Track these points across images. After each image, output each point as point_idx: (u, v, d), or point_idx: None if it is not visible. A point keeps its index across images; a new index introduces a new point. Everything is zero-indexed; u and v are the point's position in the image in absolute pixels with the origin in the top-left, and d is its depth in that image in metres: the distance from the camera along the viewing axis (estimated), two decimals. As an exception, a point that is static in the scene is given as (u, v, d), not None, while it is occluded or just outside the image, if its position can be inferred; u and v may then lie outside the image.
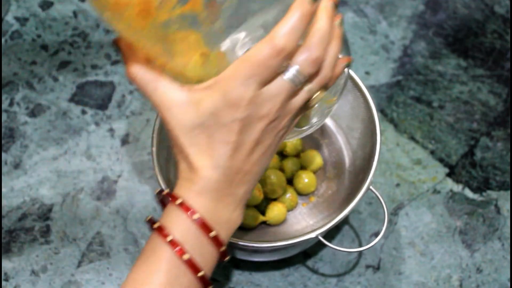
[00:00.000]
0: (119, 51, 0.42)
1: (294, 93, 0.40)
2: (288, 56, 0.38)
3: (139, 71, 0.41)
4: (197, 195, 0.41)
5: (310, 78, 0.40)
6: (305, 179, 0.66)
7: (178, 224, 0.41)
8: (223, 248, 0.43)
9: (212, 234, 0.41)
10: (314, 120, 0.51)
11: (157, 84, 0.40)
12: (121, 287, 0.42)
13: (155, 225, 0.42)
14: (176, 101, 0.40)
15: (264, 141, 0.41)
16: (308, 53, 0.38)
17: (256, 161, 0.42)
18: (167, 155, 0.65)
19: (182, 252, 0.40)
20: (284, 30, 0.37)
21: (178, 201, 0.41)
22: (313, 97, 0.41)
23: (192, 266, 0.41)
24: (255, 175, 0.43)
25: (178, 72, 0.40)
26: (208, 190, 0.41)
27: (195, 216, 0.41)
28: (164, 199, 0.45)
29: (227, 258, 0.44)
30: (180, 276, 0.41)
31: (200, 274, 0.41)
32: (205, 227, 0.41)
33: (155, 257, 0.41)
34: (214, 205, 0.41)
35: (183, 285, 0.41)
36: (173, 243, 0.40)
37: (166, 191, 0.43)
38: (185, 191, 0.42)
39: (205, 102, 0.39)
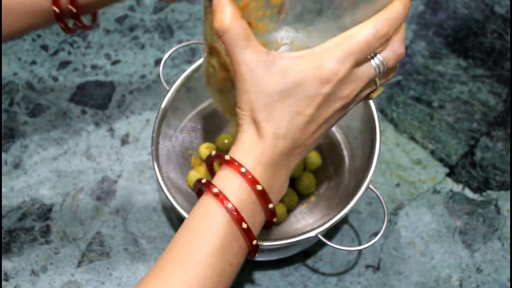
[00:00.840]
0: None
1: (370, 83, 0.41)
2: (385, 42, 0.39)
3: (233, 25, 0.39)
4: (258, 163, 0.40)
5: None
6: (305, 181, 0.66)
7: (236, 191, 0.40)
8: (275, 219, 0.43)
9: (271, 206, 0.41)
10: None
11: (248, 43, 0.39)
12: (168, 247, 0.41)
13: (214, 190, 0.40)
14: (263, 64, 0.39)
15: (330, 121, 0.42)
16: (396, 48, 0.40)
17: (317, 138, 0.42)
18: (167, 155, 0.65)
19: (241, 219, 0.40)
20: (389, 16, 0.38)
21: (242, 169, 0.40)
22: (376, 90, 0.43)
23: (249, 234, 0.40)
24: (310, 149, 0.43)
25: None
26: (270, 160, 0.40)
27: (259, 187, 0.40)
28: (213, 168, 0.44)
29: (272, 226, 0.44)
30: (234, 243, 0.40)
31: (254, 242, 0.41)
32: (265, 198, 0.41)
33: (210, 221, 0.40)
34: (272, 176, 0.41)
35: (233, 252, 0.41)
36: (232, 210, 0.40)
37: (227, 156, 0.42)
38: (247, 158, 0.41)
39: (294, 71, 0.39)
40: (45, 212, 0.70)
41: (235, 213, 0.40)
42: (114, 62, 0.82)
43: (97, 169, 0.73)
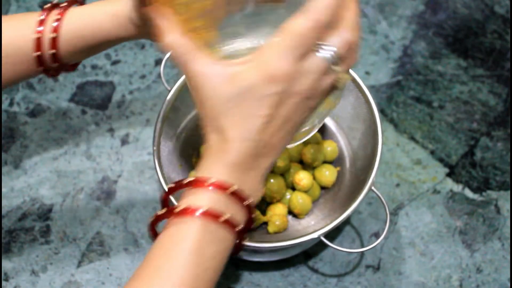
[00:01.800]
0: (152, 20, 0.43)
1: (325, 73, 0.41)
2: (323, 31, 0.39)
3: (177, 40, 0.41)
4: (226, 166, 0.41)
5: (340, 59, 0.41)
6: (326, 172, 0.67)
7: (206, 199, 0.41)
8: (254, 215, 0.43)
9: (247, 202, 0.42)
10: (315, 122, 0.51)
11: (195, 55, 0.41)
12: (143, 261, 0.41)
13: (177, 209, 0.41)
14: (213, 73, 0.40)
15: (293, 119, 0.42)
16: (345, 36, 0.40)
17: (282, 137, 0.42)
18: (168, 154, 0.65)
19: (217, 215, 0.40)
20: (324, 4, 0.38)
21: (209, 180, 0.41)
22: (340, 78, 0.42)
23: (229, 223, 0.41)
24: (279, 150, 0.43)
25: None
26: (238, 161, 0.41)
27: (231, 189, 0.41)
28: (178, 190, 0.44)
29: (252, 226, 0.44)
30: (213, 241, 0.40)
31: (238, 228, 0.41)
32: (239, 197, 0.41)
33: (182, 230, 0.40)
34: (242, 177, 0.42)
35: (213, 250, 0.41)
36: (204, 211, 0.40)
37: (189, 179, 0.42)
38: (215, 164, 0.41)
39: (242, 75, 0.40)
40: (45, 212, 0.70)
41: (208, 212, 0.40)
42: (114, 62, 0.81)
43: (97, 169, 0.73)
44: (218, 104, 0.40)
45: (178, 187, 0.43)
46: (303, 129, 0.52)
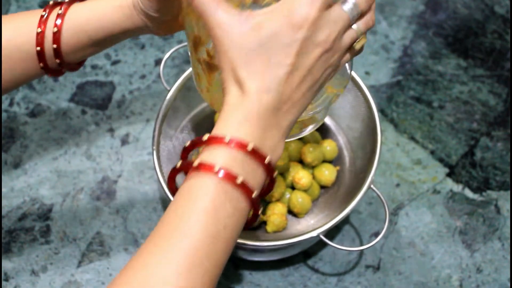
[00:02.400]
0: None
1: (346, 28, 0.42)
2: None
3: None
4: (245, 121, 0.40)
5: (359, 17, 0.42)
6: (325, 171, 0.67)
7: (223, 157, 0.39)
8: (275, 174, 0.42)
9: (267, 160, 0.40)
10: (318, 113, 0.51)
11: (218, 5, 0.41)
12: (159, 221, 0.40)
13: (195, 164, 0.40)
14: (236, 23, 0.40)
15: (314, 72, 0.41)
16: None
17: (304, 92, 0.42)
18: (168, 154, 0.65)
19: (232, 177, 0.39)
20: None
21: (226, 138, 0.39)
22: (358, 40, 0.43)
23: (245, 188, 0.39)
24: (300, 108, 0.42)
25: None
26: (257, 116, 0.40)
27: (249, 146, 0.39)
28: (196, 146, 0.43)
29: (273, 186, 0.43)
30: (227, 203, 0.39)
31: (254, 195, 0.40)
32: (258, 155, 0.40)
33: (197, 188, 0.39)
34: (262, 134, 0.40)
35: (227, 213, 0.39)
36: (220, 170, 0.39)
37: (205, 137, 0.41)
38: (233, 119, 0.40)
39: (266, 25, 0.40)
40: (45, 212, 0.70)
41: (224, 171, 0.39)
42: (114, 62, 0.82)
43: (97, 169, 0.73)
44: (239, 55, 0.40)
45: (195, 145, 0.42)
46: (309, 113, 0.51)
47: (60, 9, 0.51)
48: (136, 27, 0.51)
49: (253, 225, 0.44)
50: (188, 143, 0.42)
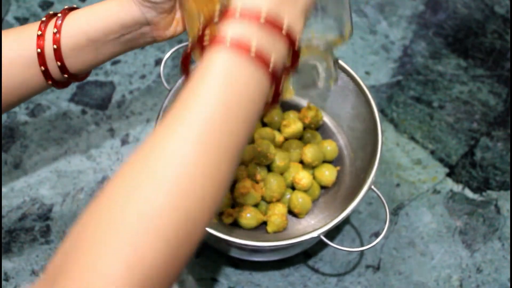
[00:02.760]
0: None
1: None
2: None
3: None
4: None
5: None
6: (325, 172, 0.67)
7: (235, 29, 0.36)
8: (297, 47, 0.39)
9: (285, 29, 0.38)
10: (320, 67, 0.50)
11: None
12: (176, 99, 0.37)
13: (206, 38, 0.38)
14: None
15: None
16: None
17: None
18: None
19: (246, 47, 0.36)
20: None
21: (239, 8, 0.37)
22: None
23: (260, 58, 0.37)
24: None
25: None
26: None
27: (262, 16, 0.37)
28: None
29: (298, 62, 0.40)
30: (242, 71, 0.36)
31: (271, 65, 0.37)
32: (273, 23, 0.37)
33: (210, 62, 0.36)
34: (281, 7, 0.38)
35: (243, 80, 0.37)
36: (231, 41, 0.36)
37: (218, 9, 0.39)
38: None
39: None
40: (45, 212, 0.70)
41: (235, 41, 0.36)
42: (114, 62, 0.81)
43: (97, 169, 0.73)
44: None
45: (209, 22, 0.39)
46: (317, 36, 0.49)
47: (56, 21, 0.50)
48: (135, 21, 0.50)
49: (274, 106, 0.41)
50: (201, 24, 0.40)
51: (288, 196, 0.66)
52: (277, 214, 0.64)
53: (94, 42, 0.51)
